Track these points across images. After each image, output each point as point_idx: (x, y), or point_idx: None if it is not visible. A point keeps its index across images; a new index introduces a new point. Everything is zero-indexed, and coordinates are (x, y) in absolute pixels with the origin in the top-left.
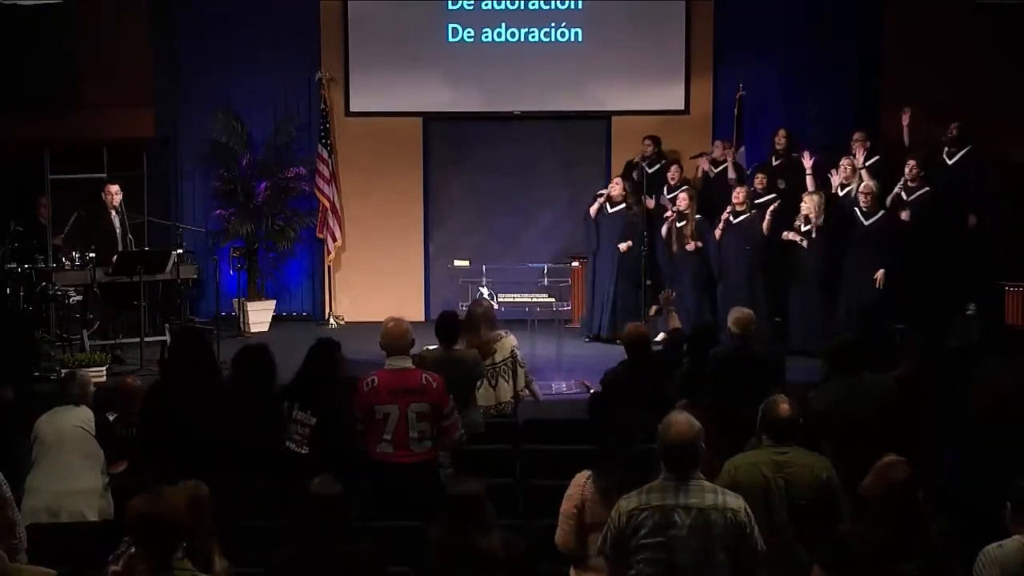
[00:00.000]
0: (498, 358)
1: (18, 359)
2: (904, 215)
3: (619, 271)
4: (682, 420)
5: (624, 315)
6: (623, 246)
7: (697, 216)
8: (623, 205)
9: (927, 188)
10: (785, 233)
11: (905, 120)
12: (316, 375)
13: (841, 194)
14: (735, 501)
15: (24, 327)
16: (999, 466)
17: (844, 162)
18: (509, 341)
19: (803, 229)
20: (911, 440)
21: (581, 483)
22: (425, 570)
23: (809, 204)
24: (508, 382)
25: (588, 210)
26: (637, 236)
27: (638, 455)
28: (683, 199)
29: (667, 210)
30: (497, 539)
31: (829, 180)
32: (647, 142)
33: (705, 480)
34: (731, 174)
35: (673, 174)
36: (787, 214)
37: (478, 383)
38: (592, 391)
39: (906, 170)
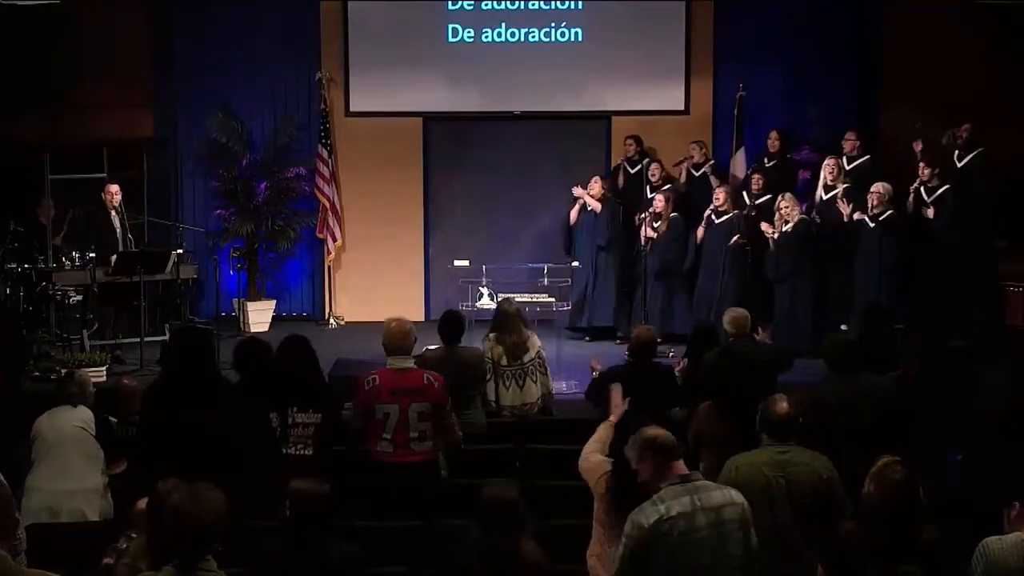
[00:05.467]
0: (526, 358)
1: (17, 359)
2: (930, 212)
3: (606, 266)
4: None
5: (610, 310)
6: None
7: (673, 214)
8: (603, 204)
9: (948, 186)
10: (764, 225)
11: (917, 147)
12: (304, 372)
13: (826, 196)
14: (737, 495)
15: (23, 327)
16: (1002, 466)
17: (830, 162)
18: (536, 340)
19: (783, 229)
20: (911, 441)
21: (601, 472)
22: (460, 572)
23: (784, 204)
24: (536, 382)
25: (568, 214)
26: (618, 232)
27: None
28: (659, 201)
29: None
30: (535, 546)
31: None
32: (629, 142)
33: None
34: (714, 182)
35: (654, 172)
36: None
37: (495, 386)
38: (595, 374)
39: (924, 172)
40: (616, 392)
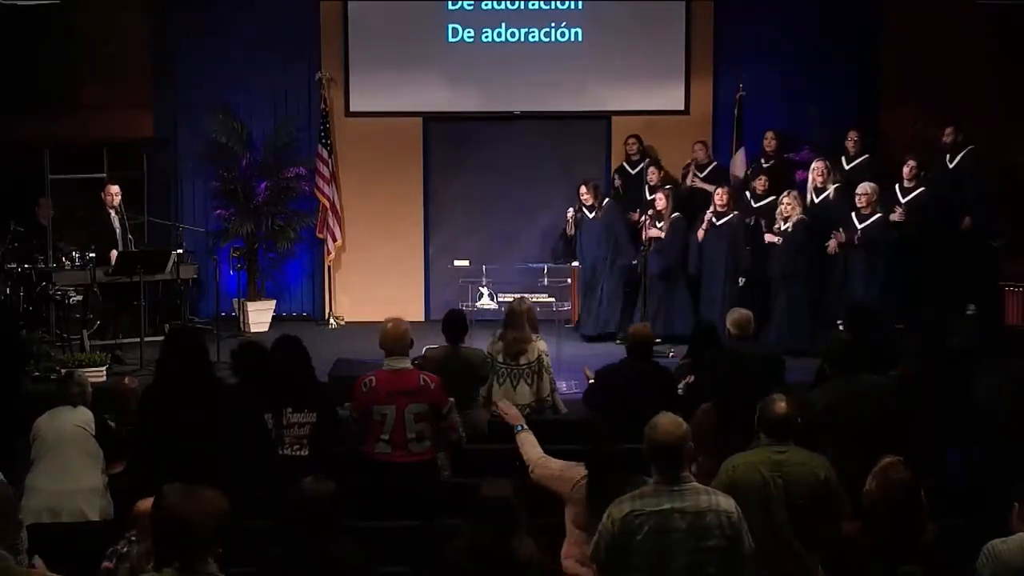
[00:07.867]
0: (522, 360)
1: (17, 359)
2: (896, 216)
3: (612, 272)
4: (668, 421)
5: (618, 313)
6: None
7: (675, 215)
8: (595, 212)
9: (923, 189)
10: (767, 236)
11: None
12: (298, 372)
13: (818, 200)
14: (727, 502)
15: (23, 327)
16: (1002, 466)
17: (818, 165)
18: (539, 345)
19: (781, 228)
20: (911, 440)
21: (576, 479)
22: (450, 572)
23: (787, 201)
24: (531, 386)
25: (564, 230)
26: (625, 238)
27: (624, 456)
28: (660, 200)
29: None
30: (531, 544)
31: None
32: (631, 141)
33: (695, 481)
34: (739, 169)
35: (651, 175)
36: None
37: (490, 382)
38: (591, 381)
39: (905, 170)
40: (505, 405)
